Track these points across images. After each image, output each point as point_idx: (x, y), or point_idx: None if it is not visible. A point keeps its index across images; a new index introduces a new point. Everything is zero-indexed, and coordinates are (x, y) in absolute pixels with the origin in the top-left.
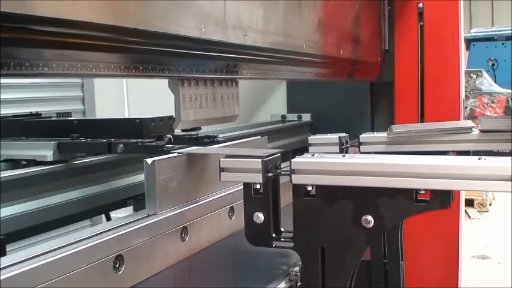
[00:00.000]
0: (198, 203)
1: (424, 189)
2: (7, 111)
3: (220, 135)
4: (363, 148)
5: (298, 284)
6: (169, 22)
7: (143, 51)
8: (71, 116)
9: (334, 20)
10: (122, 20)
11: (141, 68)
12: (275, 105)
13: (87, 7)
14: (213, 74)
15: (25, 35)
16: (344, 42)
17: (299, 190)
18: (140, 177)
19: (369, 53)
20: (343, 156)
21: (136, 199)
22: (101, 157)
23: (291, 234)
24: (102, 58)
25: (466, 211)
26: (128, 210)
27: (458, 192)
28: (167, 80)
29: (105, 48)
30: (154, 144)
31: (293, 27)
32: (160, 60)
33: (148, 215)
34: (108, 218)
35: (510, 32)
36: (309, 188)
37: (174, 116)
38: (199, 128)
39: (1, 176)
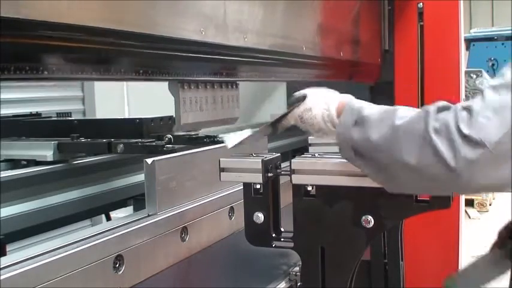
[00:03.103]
0: (198, 203)
1: None
2: (7, 111)
3: (220, 135)
4: None
5: (298, 284)
6: (169, 26)
7: (143, 54)
8: (71, 116)
9: (334, 22)
10: (122, 25)
11: (141, 71)
12: (275, 105)
13: (87, 12)
14: (213, 77)
15: (24, 39)
16: (344, 44)
17: (299, 190)
18: (140, 177)
19: (369, 55)
20: None
21: (136, 199)
22: (101, 157)
23: (291, 234)
24: (102, 62)
25: (466, 211)
26: (128, 210)
27: None
28: (167, 82)
29: (105, 52)
30: (154, 144)
31: (293, 30)
32: (160, 63)
33: (148, 215)
34: (108, 218)
35: (510, 32)
36: (309, 188)
37: (174, 117)
38: (200, 128)
39: (1, 176)
